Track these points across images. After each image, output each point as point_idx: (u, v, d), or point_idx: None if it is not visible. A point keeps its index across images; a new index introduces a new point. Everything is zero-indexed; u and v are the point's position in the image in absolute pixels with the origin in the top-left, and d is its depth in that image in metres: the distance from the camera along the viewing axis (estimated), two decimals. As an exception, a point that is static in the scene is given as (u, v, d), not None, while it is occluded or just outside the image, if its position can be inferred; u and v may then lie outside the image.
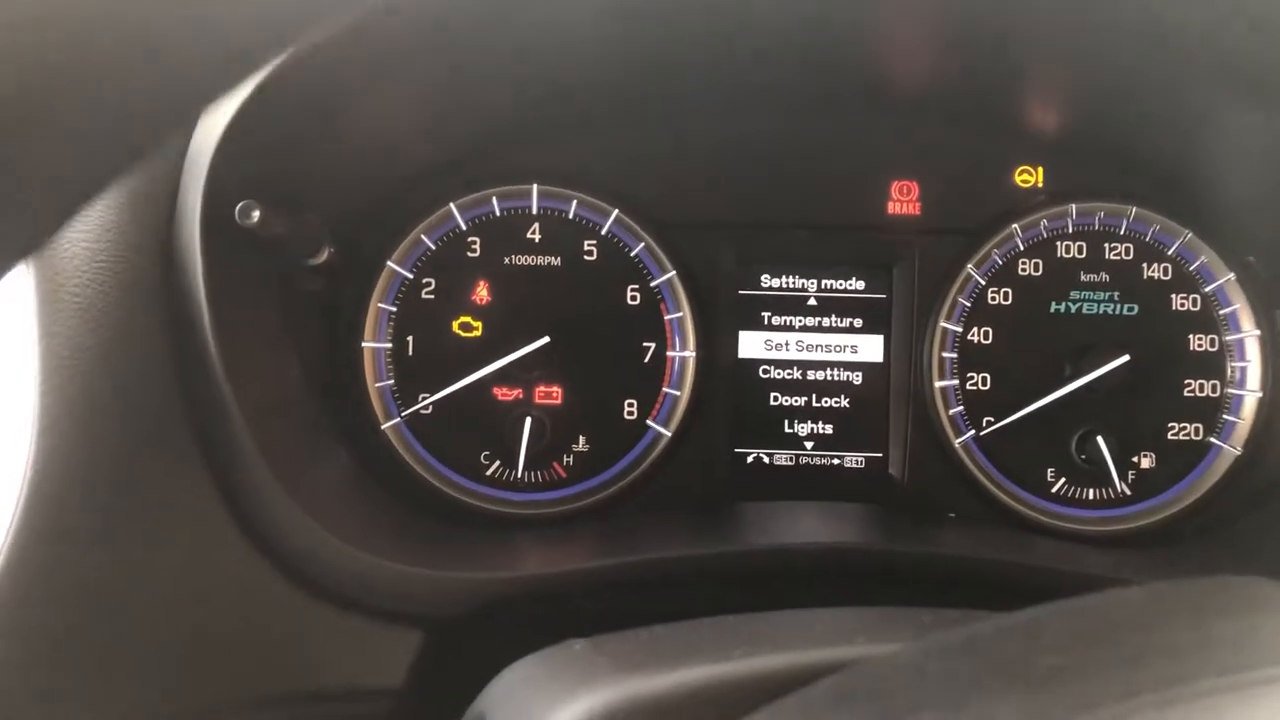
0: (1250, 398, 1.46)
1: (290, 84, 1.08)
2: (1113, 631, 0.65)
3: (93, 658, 1.00)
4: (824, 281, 1.50)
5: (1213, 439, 1.47)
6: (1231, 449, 1.46)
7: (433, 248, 1.46)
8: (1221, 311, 1.47)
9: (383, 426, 1.44)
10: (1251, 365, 1.46)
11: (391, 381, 1.45)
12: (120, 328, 1.03)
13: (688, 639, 0.85)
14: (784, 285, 1.50)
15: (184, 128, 1.04)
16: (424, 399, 1.44)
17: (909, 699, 0.63)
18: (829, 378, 1.51)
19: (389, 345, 1.45)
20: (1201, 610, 0.67)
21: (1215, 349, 1.47)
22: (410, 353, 1.45)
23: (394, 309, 1.45)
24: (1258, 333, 1.46)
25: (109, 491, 1.01)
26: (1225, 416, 1.47)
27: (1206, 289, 1.47)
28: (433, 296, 1.46)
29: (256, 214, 1.07)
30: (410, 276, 1.45)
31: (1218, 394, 1.47)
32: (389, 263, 1.44)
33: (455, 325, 1.45)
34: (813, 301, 1.50)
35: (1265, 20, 1.08)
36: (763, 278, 1.50)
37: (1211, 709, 0.51)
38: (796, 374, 1.50)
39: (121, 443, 1.03)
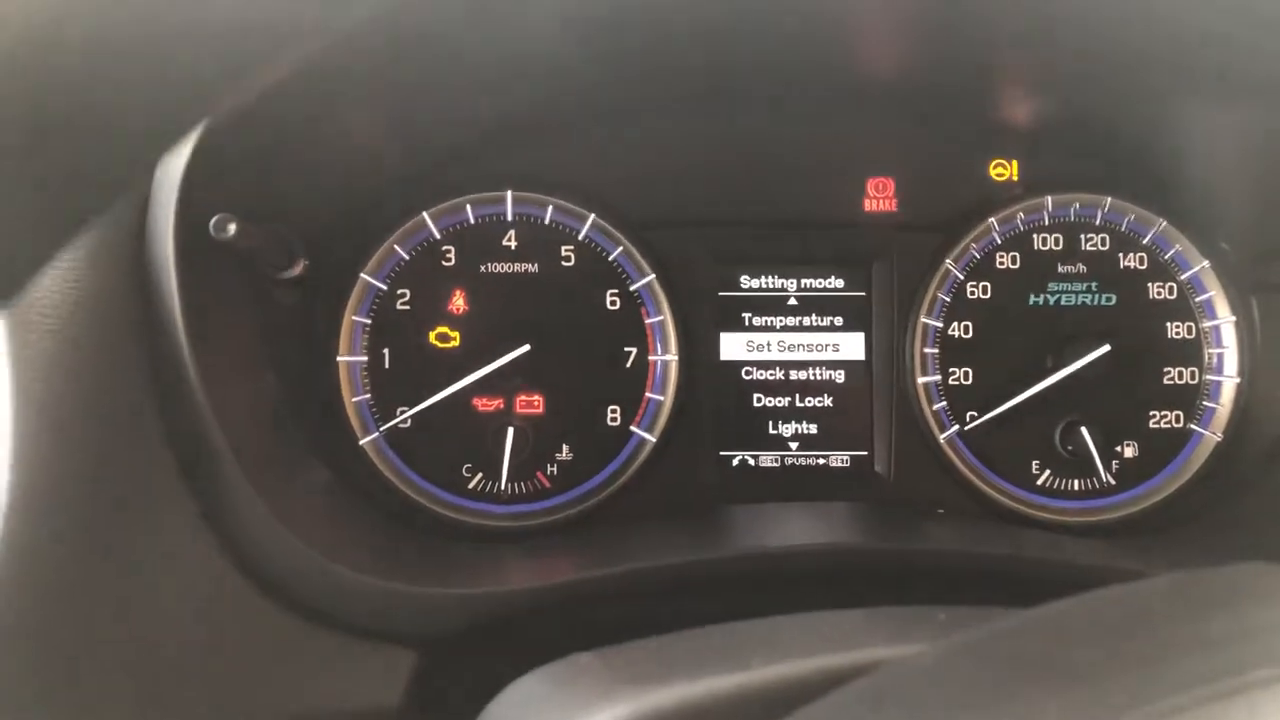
0: (1229, 383, 1.47)
1: (260, 99, 1.05)
2: (1145, 623, 0.64)
3: (71, 683, 0.96)
4: (804, 280, 1.49)
5: (1193, 426, 1.48)
6: (1212, 435, 1.47)
7: (406, 258, 1.42)
8: (1198, 298, 1.48)
9: (361, 442, 1.40)
10: (1229, 351, 1.47)
11: (368, 395, 1.41)
12: (93, 349, 0.99)
13: (700, 648, 0.83)
14: (764, 285, 1.49)
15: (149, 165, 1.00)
16: (402, 413, 1.41)
17: (943, 701, 0.61)
18: (811, 377, 1.49)
19: (364, 359, 1.41)
20: (1233, 599, 0.66)
21: (1193, 336, 1.48)
22: (386, 365, 1.42)
23: (368, 321, 1.41)
24: (1233, 319, 1.47)
25: (88, 516, 0.97)
26: (1205, 403, 1.47)
27: (1182, 276, 1.48)
28: (408, 307, 1.42)
29: (232, 227, 1.03)
30: (384, 288, 1.42)
31: (1197, 381, 1.48)
32: (362, 274, 1.41)
33: (432, 336, 1.42)
34: (793, 301, 1.49)
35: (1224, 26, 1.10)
36: (742, 278, 1.49)
37: (1276, 698, 0.49)
38: (779, 374, 1.49)
39: (100, 466, 0.99)
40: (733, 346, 1.49)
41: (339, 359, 1.40)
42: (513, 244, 1.44)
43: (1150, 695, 0.52)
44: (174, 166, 1.04)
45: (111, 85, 0.44)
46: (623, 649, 0.88)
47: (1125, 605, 0.67)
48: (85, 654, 0.98)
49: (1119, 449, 1.47)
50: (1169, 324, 1.48)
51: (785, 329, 1.49)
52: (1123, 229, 1.49)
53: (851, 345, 1.49)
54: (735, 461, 1.49)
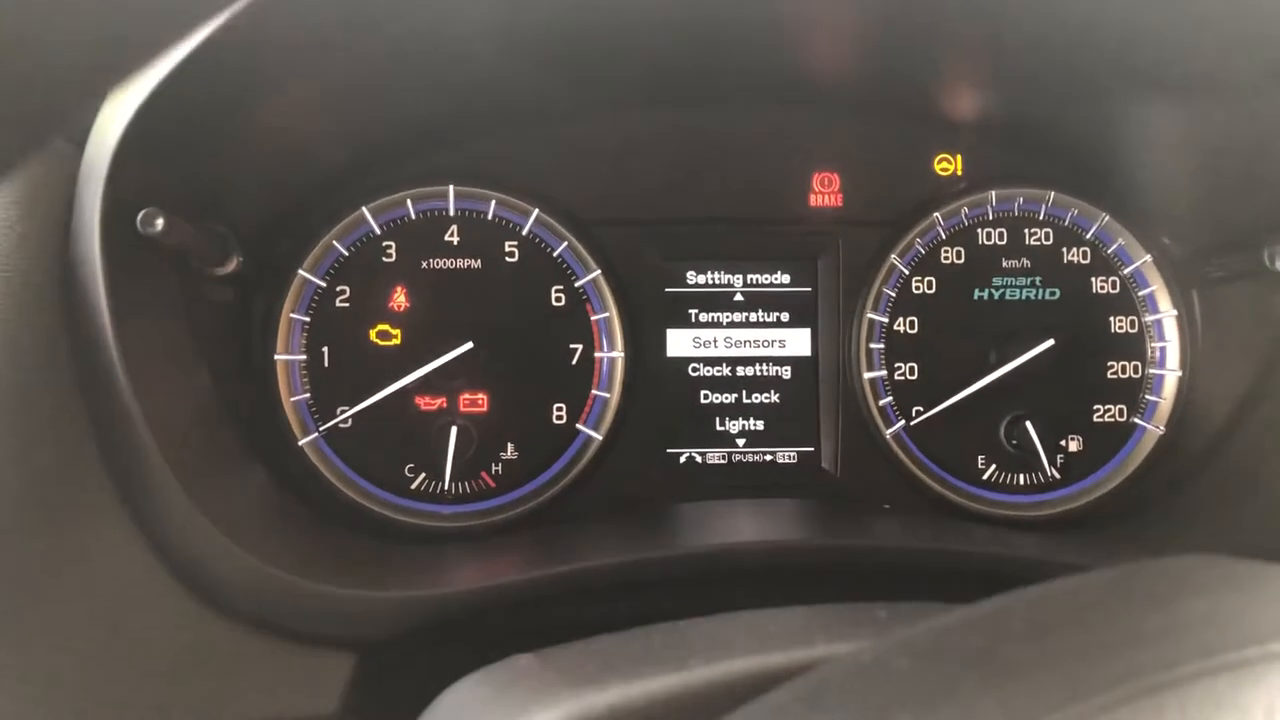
0: (1171, 377, 1.48)
1: (191, 84, 1.02)
2: (1081, 619, 0.63)
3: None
4: (750, 276, 1.49)
5: (1137, 419, 1.49)
6: (1155, 428, 1.48)
7: (346, 254, 1.40)
8: (1140, 293, 1.49)
9: (300, 443, 1.37)
10: (1171, 345, 1.48)
11: (307, 395, 1.38)
12: (17, 347, 0.96)
13: (640, 648, 0.82)
14: (710, 281, 1.48)
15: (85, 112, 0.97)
16: (342, 412, 1.39)
17: (880, 700, 0.60)
18: (758, 373, 1.49)
19: (303, 357, 1.39)
20: (1167, 593, 0.66)
21: (1135, 330, 1.49)
22: (326, 364, 1.39)
23: (307, 319, 1.39)
24: (1175, 313, 1.48)
25: (10, 518, 0.94)
26: (1148, 396, 1.49)
27: (1125, 271, 1.49)
28: (348, 305, 1.40)
29: (160, 222, 1.01)
30: (323, 285, 1.39)
31: (1139, 375, 1.49)
32: (300, 271, 1.38)
33: (372, 334, 1.40)
34: (739, 297, 1.48)
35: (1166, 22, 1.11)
36: (688, 274, 1.48)
37: (1205, 692, 0.49)
38: (726, 371, 1.48)
39: (23, 467, 0.96)
40: (679, 343, 1.48)
41: (277, 357, 1.37)
42: (455, 239, 1.42)
43: (1084, 691, 0.51)
44: (100, 158, 1.01)
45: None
46: (562, 650, 0.86)
47: (1062, 601, 0.67)
48: (6, 662, 0.95)
49: (1063, 443, 1.48)
50: (1112, 318, 1.49)
51: (732, 325, 1.48)
52: (1066, 223, 1.49)
53: (798, 341, 1.49)
54: (682, 459, 1.48)
